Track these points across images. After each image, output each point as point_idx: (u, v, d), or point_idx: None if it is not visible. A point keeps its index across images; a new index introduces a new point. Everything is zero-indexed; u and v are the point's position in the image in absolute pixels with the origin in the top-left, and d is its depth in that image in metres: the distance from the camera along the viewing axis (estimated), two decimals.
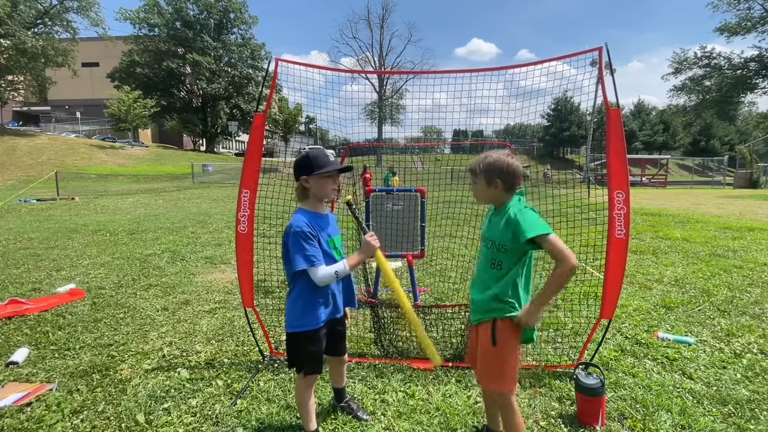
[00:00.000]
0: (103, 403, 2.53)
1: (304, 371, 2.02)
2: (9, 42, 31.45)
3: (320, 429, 2.24)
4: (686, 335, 3.49)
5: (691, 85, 45.15)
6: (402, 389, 2.66)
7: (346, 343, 2.31)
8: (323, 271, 1.87)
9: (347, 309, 2.22)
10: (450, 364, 2.94)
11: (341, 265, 1.91)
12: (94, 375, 2.85)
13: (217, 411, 2.44)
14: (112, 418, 2.39)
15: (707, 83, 44.20)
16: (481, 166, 1.79)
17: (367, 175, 3.98)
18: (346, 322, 2.25)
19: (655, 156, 45.26)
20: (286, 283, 2.04)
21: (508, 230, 1.75)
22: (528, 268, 1.82)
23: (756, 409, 2.46)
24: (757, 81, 40.72)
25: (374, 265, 2.16)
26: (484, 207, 2.01)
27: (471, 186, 1.87)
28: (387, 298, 4.44)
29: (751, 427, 2.30)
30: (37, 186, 18.78)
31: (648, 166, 36.74)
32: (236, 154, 49.75)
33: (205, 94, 45.25)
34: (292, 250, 1.87)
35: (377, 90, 49.88)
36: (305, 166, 1.95)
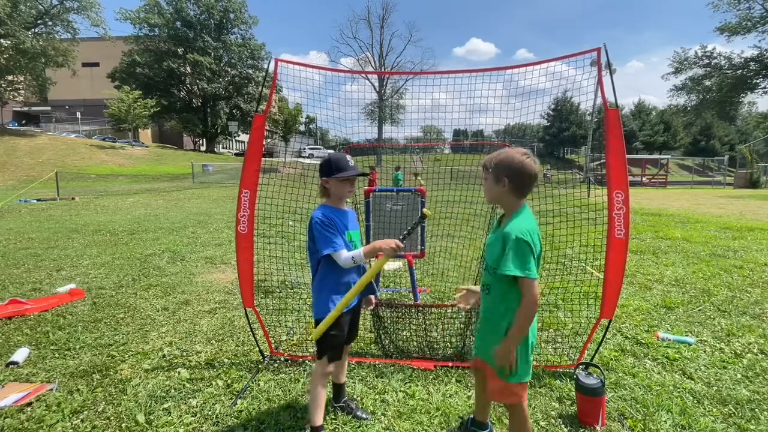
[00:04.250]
0: (103, 403, 2.53)
1: (327, 356, 2.13)
2: (9, 42, 31.48)
3: None
4: (686, 335, 3.49)
5: (692, 84, 45.01)
6: (402, 389, 2.66)
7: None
8: (344, 255, 2.03)
9: (371, 297, 2.35)
10: (450, 364, 2.94)
11: (358, 252, 2.06)
12: (94, 375, 2.85)
13: (217, 411, 2.45)
14: (112, 418, 2.39)
15: (707, 83, 44.07)
16: (493, 161, 1.74)
17: (372, 176, 4.00)
18: (363, 309, 2.39)
19: (656, 156, 45.23)
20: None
21: (499, 248, 1.68)
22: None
23: (756, 409, 2.46)
24: (757, 81, 40.63)
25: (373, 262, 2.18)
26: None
27: (482, 182, 1.83)
28: (387, 298, 4.45)
29: (752, 427, 2.30)
30: (37, 186, 18.78)
31: (648, 166, 36.74)
32: (236, 154, 49.78)
33: (205, 94, 45.28)
34: (317, 238, 2.05)
35: (377, 90, 49.87)
36: (327, 168, 2.09)
